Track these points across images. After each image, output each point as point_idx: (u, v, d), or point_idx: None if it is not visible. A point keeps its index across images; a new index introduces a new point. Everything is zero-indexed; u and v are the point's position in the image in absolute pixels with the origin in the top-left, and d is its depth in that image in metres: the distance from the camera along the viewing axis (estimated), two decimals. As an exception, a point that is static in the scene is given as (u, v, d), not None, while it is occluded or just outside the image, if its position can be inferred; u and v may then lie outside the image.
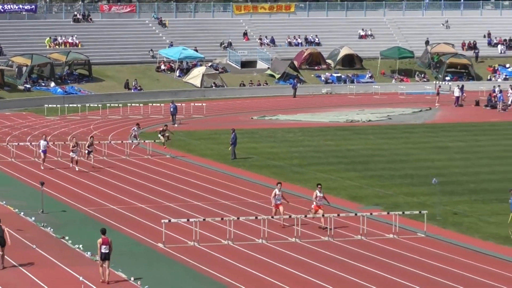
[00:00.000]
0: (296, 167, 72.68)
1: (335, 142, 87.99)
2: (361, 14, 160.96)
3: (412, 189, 64.06)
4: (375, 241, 50.47)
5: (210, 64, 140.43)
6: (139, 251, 48.67)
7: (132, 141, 65.02)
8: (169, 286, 41.47)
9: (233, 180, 67.73)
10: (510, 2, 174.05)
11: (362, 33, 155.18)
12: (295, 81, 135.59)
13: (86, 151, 65.34)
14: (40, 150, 64.04)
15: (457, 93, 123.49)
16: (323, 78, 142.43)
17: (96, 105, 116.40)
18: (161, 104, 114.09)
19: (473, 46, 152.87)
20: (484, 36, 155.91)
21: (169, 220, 51.04)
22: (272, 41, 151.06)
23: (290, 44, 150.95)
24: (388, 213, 53.80)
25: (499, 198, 56.98)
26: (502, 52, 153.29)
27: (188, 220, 51.75)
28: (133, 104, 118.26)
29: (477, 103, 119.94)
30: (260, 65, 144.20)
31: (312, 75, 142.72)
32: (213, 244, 49.46)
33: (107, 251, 39.93)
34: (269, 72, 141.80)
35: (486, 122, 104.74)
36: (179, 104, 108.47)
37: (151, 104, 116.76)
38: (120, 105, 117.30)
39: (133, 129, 65.21)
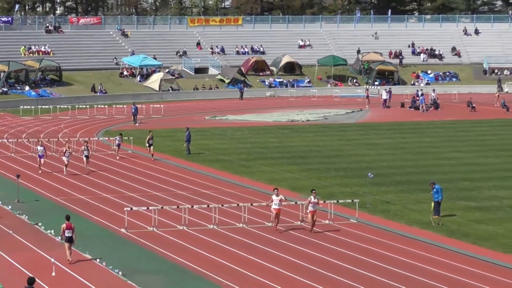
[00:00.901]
0: (244, 161, 72.92)
1: (278, 139, 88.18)
2: (301, 26, 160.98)
3: (345, 180, 64.51)
4: (317, 223, 50.66)
5: (167, 70, 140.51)
6: (104, 235, 49.16)
7: (115, 149, 63.62)
8: (131, 266, 41.78)
9: (188, 173, 67.94)
10: (431, 16, 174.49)
11: (302, 43, 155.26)
12: (241, 85, 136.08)
13: (85, 156, 64.02)
14: (37, 155, 62.69)
15: (384, 96, 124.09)
16: (267, 83, 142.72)
17: (66, 106, 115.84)
18: (124, 106, 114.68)
19: (398, 55, 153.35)
20: (409, 46, 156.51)
21: (131, 208, 51.43)
22: (222, 50, 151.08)
23: (238, 53, 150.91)
24: (324, 201, 53.98)
25: (421, 188, 57.70)
26: (424, 60, 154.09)
27: (148, 208, 52.05)
28: (98, 106, 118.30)
29: (402, 105, 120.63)
30: (212, 71, 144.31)
31: (257, 80, 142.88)
32: (170, 229, 49.83)
33: (70, 235, 40.97)
34: (219, 77, 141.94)
35: (410, 121, 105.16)
36: (140, 106, 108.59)
37: (115, 106, 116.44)
38: (87, 106, 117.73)
39: (117, 139, 63.53)
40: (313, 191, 45.39)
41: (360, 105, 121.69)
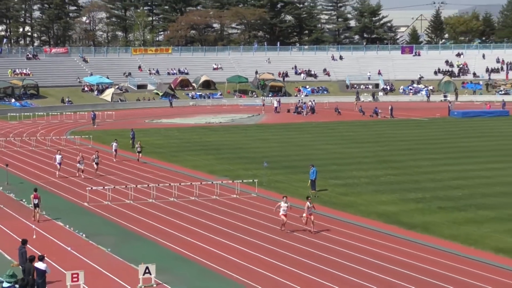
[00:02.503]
0: (173, 153, 72.75)
1: (198, 136, 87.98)
2: (214, 54, 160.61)
3: (248, 166, 64.53)
4: (225, 199, 51.11)
5: (117, 86, 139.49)
6: (72, 208, 49.03)
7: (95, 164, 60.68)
8: (91, 230, 42.22)
9: (133, 161, 67.59)
10: (308, 46, 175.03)
11: (215, 66, 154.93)
12: (171, 97, 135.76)
13: (95, 163, 60.23)
14: (56, 163, 59.45)
15: (275, 104, 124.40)
16: (190, 95, 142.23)
17: (42, 113, 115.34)
18: (85, 113, 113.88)
19: (285, 75, 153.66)
20: (292, 68, 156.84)
21: (91, 188, 51.12)
22: (157, 71, 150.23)
23: (168, 73, 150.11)
24: (232, 181, 54.30)
25: (303, 171, 57.78)
26: (304, 78, 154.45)
27: (103, 187, 51.70)
28: (66, 113, 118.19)
29: (288, 111, 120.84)
30: (150, 87, 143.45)
31: (183, 93, 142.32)
32: (120, 203, 49.85)
33: (37, 201, 43.87)
34: (155, 91, 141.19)
35: (294, 122, 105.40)
36: (97, 113, 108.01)
37: (78, 113, 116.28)
38: (58, 113, 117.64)
39: (94, 157, 61.05)
40: (309, 198, 40.87)
41: (257, 111, 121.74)
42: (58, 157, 59.39)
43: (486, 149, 75.25)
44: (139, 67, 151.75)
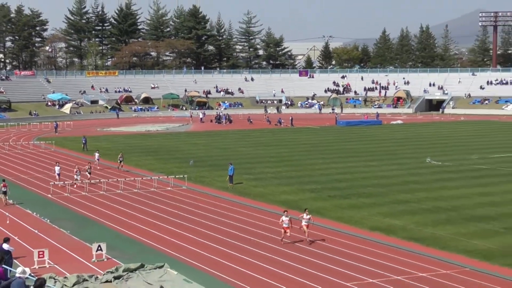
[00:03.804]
0: (140, 156, 71.75)
1: (139, 141, 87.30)
2: (152, 76, 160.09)
3: (179, 164, 64.35)
4: (161, 191, 50.92)
5: (74, 102, 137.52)
6: (38, 199, 48.12)
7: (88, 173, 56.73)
8: (54, 216, 41.81)
9: (86, 162, 66.63)
10: (226, 70, 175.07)
11: (153, 86, 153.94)
12: (117, 110, 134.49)
13: (88, 172, 54.54)
14: (55, 174, 54.23)
15: (201, 115, 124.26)
16: (133, 109, 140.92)
17: (13, 123, 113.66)
18: (49, 123, 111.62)
19: (208, 92, 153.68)
20: (214, 87, 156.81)
21: (54, 183, 50.58)
22: (106, 90, 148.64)
23: (115, 91, 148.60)
24: (167, 176, 54.20)
25: (223, 168, 57.65)
26: (223, 95, 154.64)
27: (64, 182, 51.10)
28: (33, 123, 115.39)
29: (211, 121, 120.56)
30: (101, 102, 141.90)
31: (127, 107, 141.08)
32: (78, 194, 49.28)
33: (5, 189, 45.37)
34: (105, 105, 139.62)
35: (216, 130, 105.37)
36: (59, 123, 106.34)
37: (43, 123, 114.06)
38: (26, 123, 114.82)
39: (87, 167, 57.54)
40: (306, 210, 36.16)
41: (187, 121, 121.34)
42: (57, 168, 54.93)
43: (364, 150, 76.27)
44: (92, 86, 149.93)
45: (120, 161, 61.94)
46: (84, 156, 71.69)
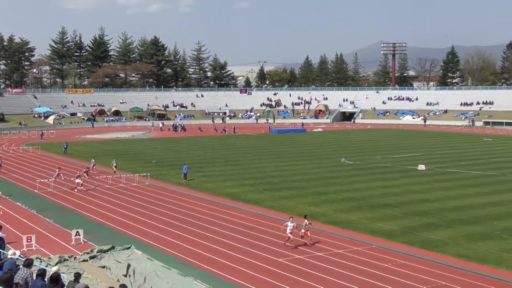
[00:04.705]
0: (111, 158, 70.61)
1: (111, 146, 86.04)
2: (121, 93, 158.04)
3: (143, 164, 63.69)
4: (128, 186, 50.17)
5: (57, 114, 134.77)
6: (26, 193, 47.04)
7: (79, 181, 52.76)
8: (40, 208, 40.97)
9: (66, 162, 65.64)
10: (182, 88, 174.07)
11: (121, 101, 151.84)
12: (92, 121, 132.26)
13: (86, 174, 51.62)
14: (54, 176, 50.73)
15: (161, 125, 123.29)
16: (105, 120, 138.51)
17: (6, 132, 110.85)
18: (36, 131, 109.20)
19: (166, 106, 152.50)
20: (172, 102, 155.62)
21: (40, 180, 49.33)
22: (84, 104, 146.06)
23: (91, 105, 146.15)
24: (133, 174, 53.47)
25: (179, 167, 57.37)
26: (179, 108, 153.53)
27: (48, 180, 49.99)
28: (22, 132, 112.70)
29: (169, 129, 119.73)
30: (79, 114, 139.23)
31: (101, 118, 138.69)
32: (59, 189, 48.13)
33: None
34: (82, 117, 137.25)
35: (173, 137, 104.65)
36: (44, 131, 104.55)
37: (31, 132, 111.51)
38: (17, 132, 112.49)
39: (84, 171, 53.80)
40: (306, 216, 32.36)
41: (149, 130, 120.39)
42: (57, 172, 51.85)
43: (292, 152, 76.69)
44: (72, 101, 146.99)
45: (115, 166, 57.50)
46: (65, 158, 70.55)
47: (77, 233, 31.66)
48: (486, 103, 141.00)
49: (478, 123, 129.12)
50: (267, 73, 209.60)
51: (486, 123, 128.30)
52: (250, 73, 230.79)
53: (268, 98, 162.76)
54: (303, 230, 31.23)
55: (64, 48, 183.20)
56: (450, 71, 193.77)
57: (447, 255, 28.61)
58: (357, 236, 32.43)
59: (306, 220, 31.51)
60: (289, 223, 30.77)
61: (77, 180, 48.78)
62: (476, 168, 58.96)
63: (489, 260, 27.79)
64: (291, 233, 30.52)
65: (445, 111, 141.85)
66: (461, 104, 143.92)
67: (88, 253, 27.41)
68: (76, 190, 47.73)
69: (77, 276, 16.79)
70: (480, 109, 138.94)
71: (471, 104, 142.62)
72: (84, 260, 26.76)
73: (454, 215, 37.26)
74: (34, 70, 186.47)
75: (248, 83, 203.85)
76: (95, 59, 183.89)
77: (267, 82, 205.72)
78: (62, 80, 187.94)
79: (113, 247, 28.00)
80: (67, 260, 26.48)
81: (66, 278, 20.18)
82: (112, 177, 52.83)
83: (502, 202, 41.35)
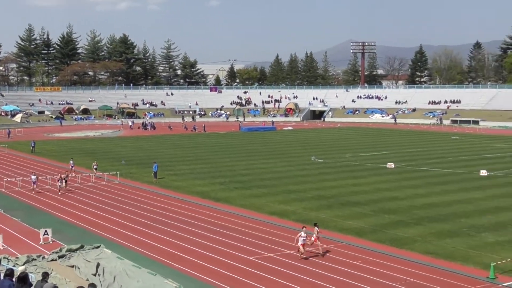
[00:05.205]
0: (63, 155, 70.06)
1: (79, 144, 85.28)
2: (90, 91, 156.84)
3: (113, 163, 63.20)
4: (98, 185, 49.81)
5: (24, 112, 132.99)
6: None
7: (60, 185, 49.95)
8: (7, 207, 40.44)
9: (33, 162, 64.81)
10: (151, 86, 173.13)
11: (90, 99, 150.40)
12: (61, 119, 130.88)
13: (64, 180, 47.01)
14: (32, 181, 46.68)
15: (130, 123, 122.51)
16: (74, 118, 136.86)
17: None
18: (2, 130, 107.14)
19: (136, 104, 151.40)
20: (141, 100, 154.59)
21: (7, 179, 48.62)
22: (52, 102, 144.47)
23: (59, 104, 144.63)
24: (103, 173, 53.03)
25: (149, 166, 57.23)
26: (148, 107, 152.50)
27: (15, 178, 49.35)
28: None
29: (139, 127, 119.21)
30: (47, 112, 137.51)
31: (69, 117, 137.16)
32: (26, 189, 47.62)
33: None
34: (50, 115, 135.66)
35: (143, 135, 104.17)
36: (11, 130, 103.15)
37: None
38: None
39: (64, 176, 50.79)
40: (316, 224, 30.13)
41: (118, 128, 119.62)
42: (33, 177, 47.55)
43: (262, 150, 76.81)
44: (39, 99, 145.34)
45: (95, 169, 55.03)
46: (33, 157, 69.66)
47: (46, 233, 31.27)
48: (453, 101, 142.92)
49: (446, 122, 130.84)
50: (237, 72, 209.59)
51: (454, 121, 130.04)
52: (220, 71, 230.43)
53: (238, 97, 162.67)
54: (313, 239, 29.24)
55: (32, 46, 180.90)
56: (418, 70, 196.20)
57: (416, 252, 28.94)
58: (327, 234, 32.55)
59: (316, 228, 29.53)
60: (302, 233, 28.31)
61: (58, 183, 46.45)
62: (444, 166, 59.76)
63: (456, 256, 28.16)
64: (303, 244, 28.17)
65: (414, 110, 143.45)
66: (429, 102, 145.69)
67: (56, 252, 27.13)
68: (60, 193, 45.60)
69: (45, 275, 16.60)
70: (448, 107, 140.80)
71: (439, 102, 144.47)
72: (52, 260, 26.47)
73: (422, 212, 37.71)
74: (1, 67, 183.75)
75: (218, 82, 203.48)
76: (63, 57, 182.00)
77: (237, 80, 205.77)
78: (29, 78, 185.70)
79: (82, 246, 27.76)
80: (35, 259, 26.17)
81: (34, 277, 19.95)
82: (93, 179, 52.05)
83: (469, 200, 41.96)
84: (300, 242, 28.02)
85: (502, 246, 29.91)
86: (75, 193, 45.89)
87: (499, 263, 26.33)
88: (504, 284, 24.38)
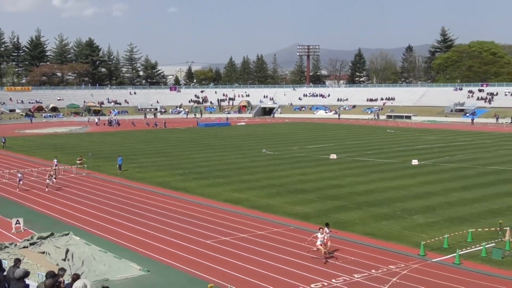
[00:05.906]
0: (34, 150, 68.56)
1: (49, 140, 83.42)
2: (58, 91, 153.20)
3: (97, 160, 61.97)
4: (66, 177, 48.81)
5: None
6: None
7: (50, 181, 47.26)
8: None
9: (9, 157, 63.20)
10: (116, 86, 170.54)
11: (59, 98, 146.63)
12: (31, 117, 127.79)
13: (53, 177, 44.31)
14: (18, 179, 43.67)
15: (96, 120, 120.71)
16: (43, 116, 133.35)
17: None
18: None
19: (102, 103, 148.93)
20: (107, 99, 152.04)
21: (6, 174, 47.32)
22: (22, 101, 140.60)
23: (29, 102, 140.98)
24: (71, 166, 52.00)
25: (114, 159, 56.10)
26: (113, 105, 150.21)
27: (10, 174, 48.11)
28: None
29: (104, 124, 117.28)
30: (17, 111, 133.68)
31: (39, 115, 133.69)
32: (13, 187, 46.17)
33: None
34: (21, 113, 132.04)
35: (108, 131, 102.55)
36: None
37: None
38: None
39: (52, 173, 48.13)
40: (327, 224, 26.82)
41: (85, 125, 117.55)
42: (19, 175, 44.76)
43: (218, 144, 76.67)
44: (10, 98, 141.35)
45: (80, 163, 53.26)
46: (4, 152, 67.94)
47: (17, 222, 30.66)
48: (388, 99, 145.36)
49: (382, 117, 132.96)
50: (195, 73, 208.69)
51: (389, 116, 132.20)
52: (179, 72, 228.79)
53: (195, 95, 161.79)
54: (324, 239, 26.08)
55: (2, 48, 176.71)
56: (357, 70, 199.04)
57: (356, 234, 29.40)
58: (277, 219, 32.81)
59: (326, 228, 26.30)
60: (319, 235, 25.67)
61: (47, 181, 43.77)
62: (381, 157, 60.72)
63: (391, 237, 28.73)
64: (321, 244, 25.43)
65: (354, 106, 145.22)
66: (367, 100, 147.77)
67: (28, 240, 26.69)
68: (47, 189, 42.87)
69: (17, 261, 16.29)
70: (384, 104, 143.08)
71: (376, 100, 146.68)
72: (24, 247, 26.03)
73: (362, 198, 38.26)
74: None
75: (177, 82, 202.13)
76: (33, 59, 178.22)
77: (195, 80, 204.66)
78: (0, 78, 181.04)
79: (52, 234, 27.38)
80: (8, 247, 25.69)
81: (7, 263, 19.54)
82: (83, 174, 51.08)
83: (402, 186, 42.75)
84: (318, 243, 25.58)
85: (431, 226, 30.64)
86: (45, 185, 44.93)
87: (428, 241, 27.06)
88: (433, 260, 25.06)
